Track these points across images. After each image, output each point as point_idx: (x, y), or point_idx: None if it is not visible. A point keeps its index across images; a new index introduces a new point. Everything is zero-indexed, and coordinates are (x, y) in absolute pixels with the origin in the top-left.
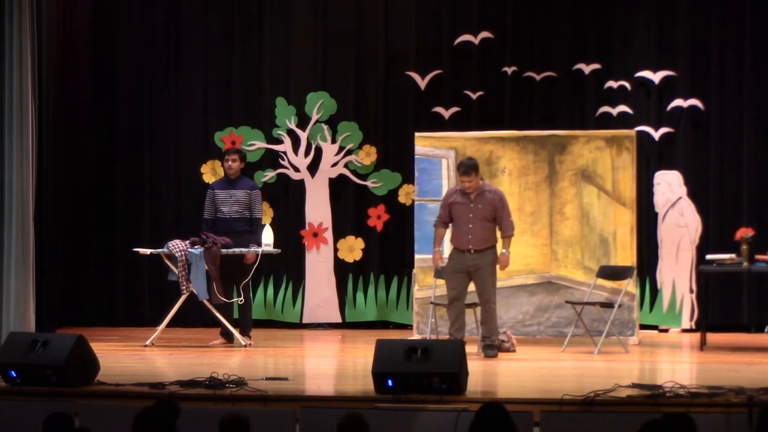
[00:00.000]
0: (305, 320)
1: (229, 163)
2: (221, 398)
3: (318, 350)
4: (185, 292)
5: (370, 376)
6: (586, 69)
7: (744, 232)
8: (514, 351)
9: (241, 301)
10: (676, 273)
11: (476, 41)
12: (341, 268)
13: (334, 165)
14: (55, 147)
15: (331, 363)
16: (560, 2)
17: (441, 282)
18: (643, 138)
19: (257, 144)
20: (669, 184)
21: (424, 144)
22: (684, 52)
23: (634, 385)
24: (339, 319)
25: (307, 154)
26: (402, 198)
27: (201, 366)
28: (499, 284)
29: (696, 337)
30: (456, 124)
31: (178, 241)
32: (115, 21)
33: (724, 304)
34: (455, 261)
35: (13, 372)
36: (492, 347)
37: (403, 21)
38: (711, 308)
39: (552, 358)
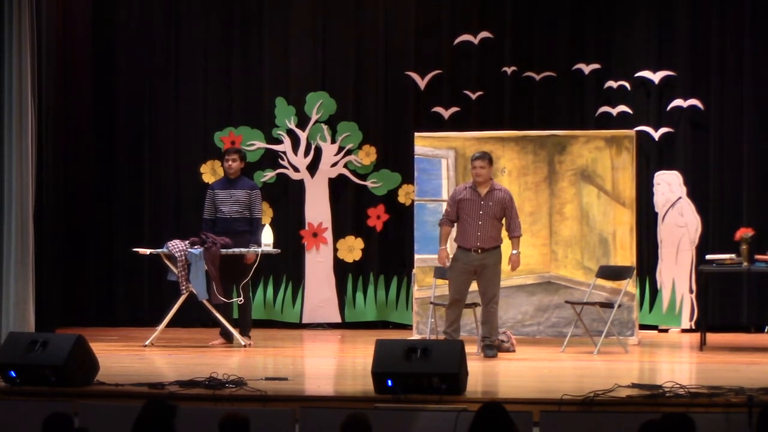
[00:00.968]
0: (305, 320)
1: (229, 163)
2: (221, 398)
3: (317, 350)
4: (185, 292)
5: (370, 376)
6: (586, 69)
7: (744, 232)
8: (513, 351)
9: (240, 301)
10: (676, 273)
11: (476, 41)
12: (341, 268)
13: (334, 165)
14: (54, 147)
15: (330, 363)
16: (560, 2)
17: (441, 282)
18: (642, 138)
19: (257, 144)
20: (669, 184)
21: (424, 144)
22: (684, 52)
23: (634, 385)
24: (339, 319)
25: (306, 154)
26: (402, 198)
27: (200, 366)
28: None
29: (696, 337)
30: (455, 124)
31: (177, 241)
32: (114, 21)
33: (723, 304)
34: (461, 261)
35: (12, 372)
36: (492, 347)
37: (402, 21)
38: (711, 308)
39: (552, 358)
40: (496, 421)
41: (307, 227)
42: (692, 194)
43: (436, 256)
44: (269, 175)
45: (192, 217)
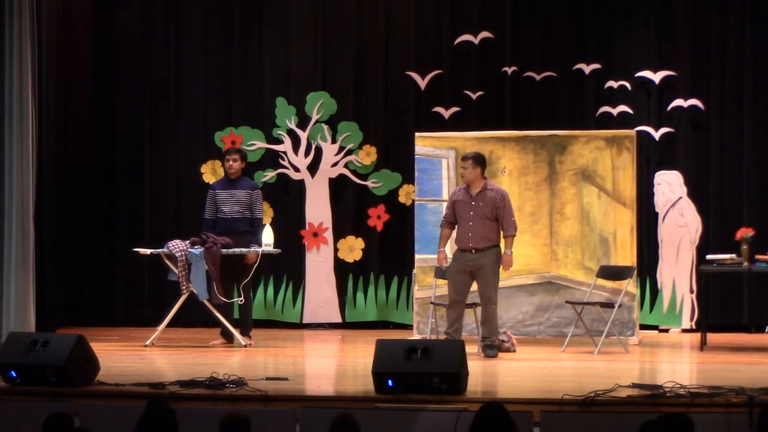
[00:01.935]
0: (305, 320)
1: (230, 163)
2: (221, 398)
3: (318, 350)
4: (185, 292)
5: (370, 376)
6: (587, 69)
7: (744, 232)
8: (514, 351)
9: (241, 301)
10: (677, 273)
11: (476, 41)
12: (341, 268)
13: (334, 165)
14: (55, 147)
15: (331, 363)
16: (560, 2)
17: (441, 282)
18: (643, 138)
19: (257, 144)
20: (669, 184)
21: (424, 144)
22: (684, 51)
23: (635, 385)
24: (339, 319)
25: (307, 154)
26: (402, 198)
27: (201, 366)
28: (499, 284)
29: (696, 337)
30: (456, 124)
31: (178, 241)
32: (115, 21)
33: (724, 304)
34: (458, 261)
35: (13, 372)
36: (492, 347)
37: (403, 21)
38: (711, 308)
39: (552, 358)
40: (496, 421)
41: (307, 227)
42: (693, 194)
43: (436, 257)
44: (270, 175)
45: (192, 217)
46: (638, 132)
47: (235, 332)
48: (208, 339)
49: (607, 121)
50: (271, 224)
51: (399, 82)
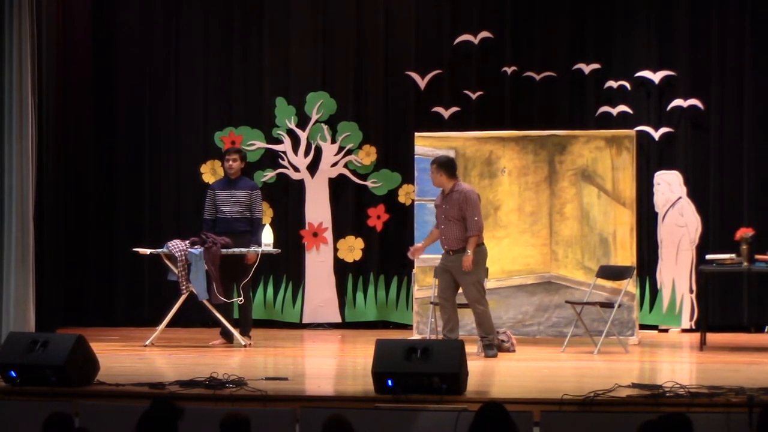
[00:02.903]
0: (305, 320)
1: (230, 163)
2: (221, 398)
3: (318, 350)
4: (185, 292)
5: (370, 376)
6: (586, 69)
7: (744, 232)
8: (514, 351)
9: (241, 301)
10: (676, 273)
11: (476, 41)
12: (341, 268)
13: (334, 165)
14: (54, 147)
15: (331, 363)
16: (560, 2)
17: None
18: (643, 138)
19: (257, 144)
20: (669, 184)
21: (424, 144)
22: (684, 51)
23: (634, 385)
24: (339, 319)
25: (306, 154)
26: (402, 198)
27: (201, 366)
28: (498, 284)
29: (696, 337)
30: (456, 124)
31: (177, 241)
32: (114, 22)
33: (724, 304)
34: (441, 262)
35: (13, 372)
36: (491, 346)
37: (402, 21)
38: (711, 308)
39: (552, 358)
40: (496, 421)
41: (307, 227)
42: (692, 194)
43: (436, 257)
44: (269, 175)
45: (192, 217)
46: (638, 132)
47: (235, 332)
48: (208, 339)
49: (607, 121)
50: (270, 224)
51: (399, 82)
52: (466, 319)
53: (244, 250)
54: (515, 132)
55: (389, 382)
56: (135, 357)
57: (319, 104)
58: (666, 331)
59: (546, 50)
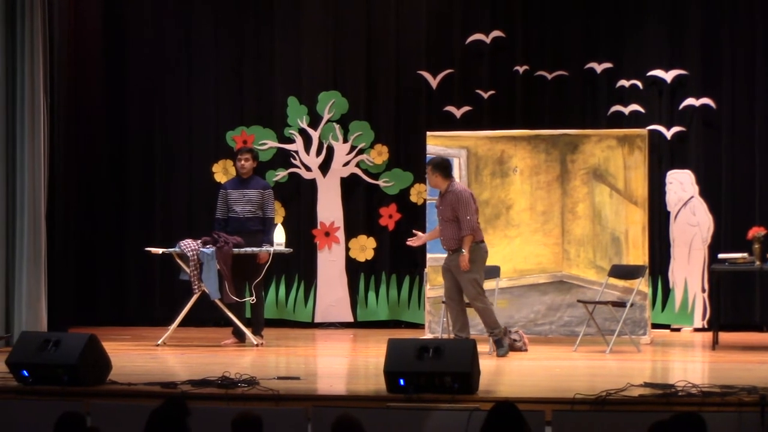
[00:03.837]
0: (317, 319)
1: (242, 162)
2: (233, 398)
3: (330, 349)
4: (197, 291)
5: (382, 376)
6: (598, 68)
7: (756, 231)
8: (525, 350)
9: (253, 300)
10: (688, 272)
11: (488, 40)
12: (353, 268)
13: (346, 164)
14: (66, 147)
15: (342, 362)
16: (572, 1)
17: None
18: (654, 137)
19: (269, 143)
20: (681, 183)
21: (436, 143)
22: (696, 50)
23: (646, 385)
24: (351, 319)
25: (318, 153)
26: (413, 197)
27: (213, 365)
28: (510, 283)
29: (708, 336)
30: (467, 123)
31: (189, 241)
32: (126, 21)
33: (736, 303)
34: (444, 261)
35: (25, 371)
36: (501, 342)
37: (414, 20)
38: (723, 307)
39: (564, 357)
40: (508, 420)
41: (319, 226)
42: (704, 193)
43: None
44: (281, 174)
45: (204, 217)
46: (650, 131)
47: (247, 331)
48: (220, 338)
49: (619, 120)
50: (282, 224)
51: (410, 81)
52: (477, 318)
53: (256, 249)
54: (527, 131)
55: (401, 382)
56: (147, 356)
57: (331, 104)
58: (678, 330)
59: (558, 49)
